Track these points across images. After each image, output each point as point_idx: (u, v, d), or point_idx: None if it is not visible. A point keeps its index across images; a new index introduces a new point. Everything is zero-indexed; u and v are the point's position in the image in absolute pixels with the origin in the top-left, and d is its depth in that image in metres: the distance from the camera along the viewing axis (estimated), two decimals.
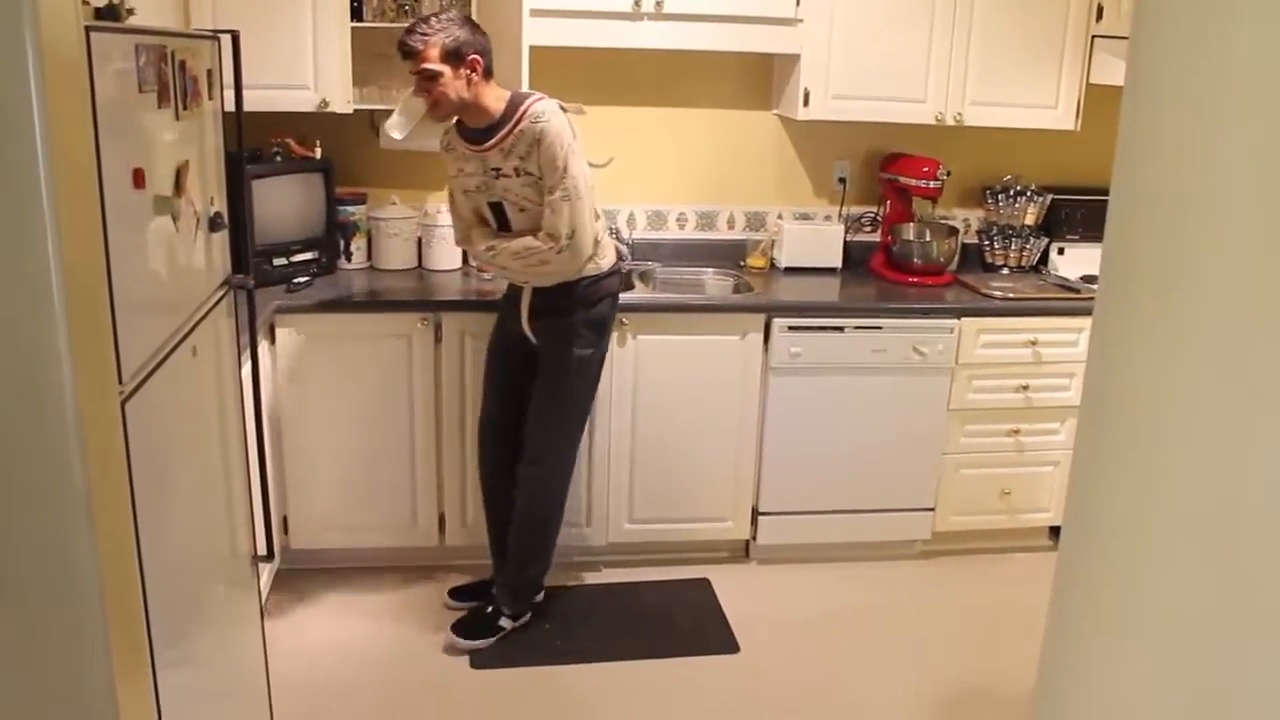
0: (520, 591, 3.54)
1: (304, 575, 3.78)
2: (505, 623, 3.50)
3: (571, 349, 3.32)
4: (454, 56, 3.05)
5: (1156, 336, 1.36)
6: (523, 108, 3.12)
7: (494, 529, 3.59)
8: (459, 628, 3.47)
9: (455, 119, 3.23)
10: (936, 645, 3.55)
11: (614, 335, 3.62)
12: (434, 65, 3.04)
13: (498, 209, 3.26)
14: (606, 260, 3.33)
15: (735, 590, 3.79)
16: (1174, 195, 1.33)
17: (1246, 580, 1.18)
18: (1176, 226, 1.31)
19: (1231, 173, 1.22)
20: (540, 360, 3.38)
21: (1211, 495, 1.24)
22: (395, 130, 3.22)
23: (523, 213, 3.21)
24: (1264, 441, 1.15)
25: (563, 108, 3.15)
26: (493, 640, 3.45)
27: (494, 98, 3.14)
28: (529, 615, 3.56)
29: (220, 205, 2.31)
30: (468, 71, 3.07)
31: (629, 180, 4.23)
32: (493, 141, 3.15)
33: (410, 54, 3.05)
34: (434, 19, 3.07)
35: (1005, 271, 4.38)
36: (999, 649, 3.49)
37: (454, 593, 3.68)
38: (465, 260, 4.06)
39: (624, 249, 3.53)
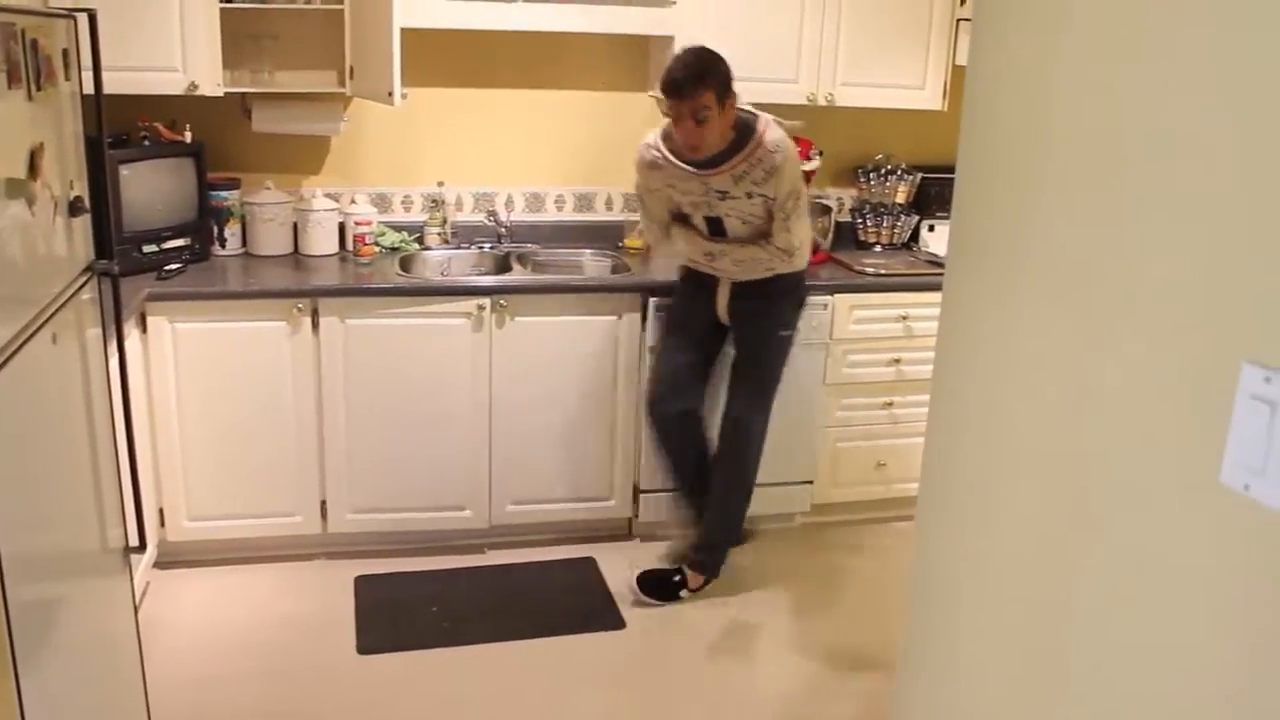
0: (719, 554, 3.67)
1: (181, 567, 3.72)
2: (685, 595, 3.65)
3: (777, 331, 3.50)
4: (724, 93, 3.10)
5: (1000, 302, 1.42)
6: (756, 136, 3.19)
7: (693, 495, 3.72)
8: (643, 583, 3.63)
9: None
10: (818, 612, 3.63)
11: (493, 317, 3.65)
12: (712, 107, 3.07)
13: (714, 221, 3.36)
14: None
15: (620, 567, 3.82)
16: (1012, 172, 1.39)
17: (1082, 527, 1.25)
18: (1015, 201, 1.38)
19: (1062, 150, 1.28)
20: (740, 342, 3.54)
21: (1050, 451, 1.31)
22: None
23: (744, 225, 3.32)
24: (1099, 403, 1.22)
25: (779, 123, 3.25)
26: (665, 605, 3.61)
27: (729, 126, 3.19)
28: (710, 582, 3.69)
29: (81, 189, 2.26)
30: (730, 106, 3.14)
31: (507, 163, 4.24)
32: (723, 168, 3.20)
33: (684, 94, 3.06)
34: (690, 53, 3.12)
35: (878, 249, 4.49)
36: (878, 614, 3.59)
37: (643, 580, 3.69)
38: (342, 244, 4.02)
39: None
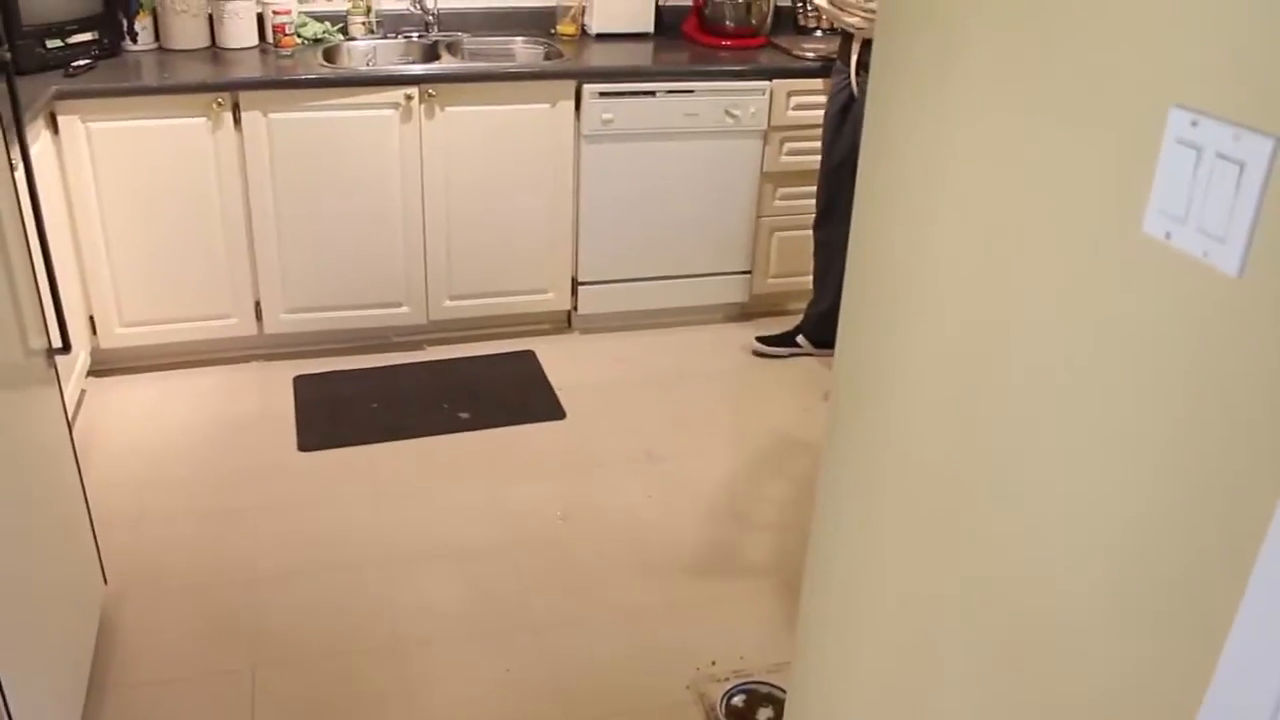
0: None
1: (117, 374, 3.68)
2: (801, 341, 3.98)
3: None
4: None
5: (932, 93, 1.38)
6: None
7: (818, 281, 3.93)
8: (763, 340, 4.01)
9: None
10: (757, 400, 3.68)
11: (422, 108, 3.54)
12: None
13: None
14: None
15: (559, 360, 3.84)
16: None
17: (1008, 290, 1.24)
18: None
19: None
20: (863, 119, 3.43)
21: (978, 220, 1.28)
22: None
23: None
24: (1026, 170, 1.19)
25: None
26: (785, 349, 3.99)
27: None
28: None
29: None
30: None
31: None
32: None
33: None
34: None
35: (818, 34, 4.36)
36: (817, 401, 3.65)
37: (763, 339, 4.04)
38: (261, 36, 3.84)
39: None
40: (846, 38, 3.51)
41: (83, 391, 3.54)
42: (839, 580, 1.77)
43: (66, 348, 2.50)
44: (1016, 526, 1.24)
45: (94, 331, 3.58)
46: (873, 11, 3.28)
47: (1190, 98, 0.94)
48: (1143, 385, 1.02)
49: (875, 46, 1.52)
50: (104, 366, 3.68)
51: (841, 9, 3.39)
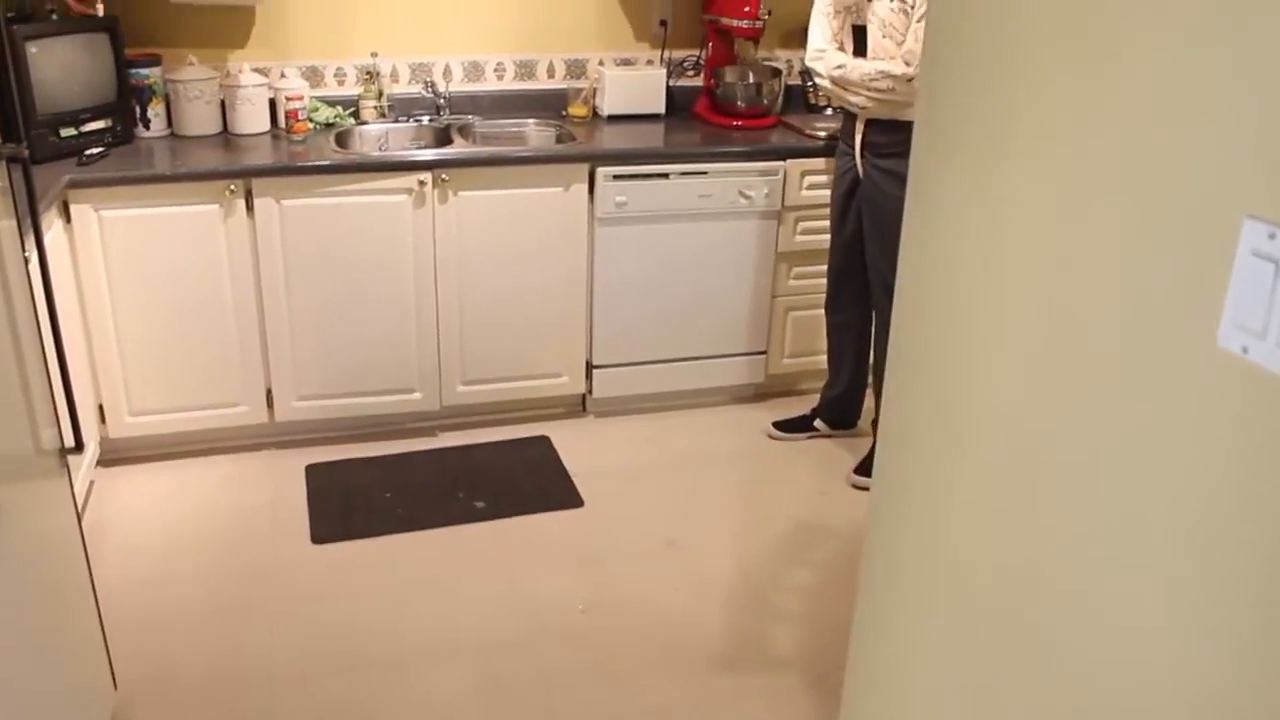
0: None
1: (126, 464, 3.63)
2: (819, 424, 3.94)
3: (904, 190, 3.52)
4: None
5: (981, 188, 1.35)
6: None
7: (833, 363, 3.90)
8: (779, 425, 3.95)
9: None
10: (775, 483, 3.62)
11: (435, 192, 3.53)
12: None
13: (860, 33, 3.37)
14: None
15: (575, 445, 3.79)
16: (989, 42, 1.30)
17: (1067, 404, 1.19)
18: (995, 75, 1.29)
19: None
20: (869, 199, 3.44)
21: (1034, 328, 1.24)
22: None
23: (883, 39, 3.30)
24: (1089, 272, 1.16)
25: None
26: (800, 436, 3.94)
27: None
28: None
29: None
30: None
31: (443, 30, 4.06)
32: None
33: None
34: None
35: (829, 112, 4.37)
36: (836, 483, 3.59)
37: (779, 425, 3.97)
38: (273, 122, 3.85)
39: None
40: (850, 118, 3.49)
41: (91, 483, 3.48)
42: (883, 683, 1.70)
43: (79, 447, 2.45)
44: (1075, 637, 1.19)
45: (103, 420, 3.54)
46: (878, 90, 3.26)
47: (1264, 209, 0.90)
48: (1219, 502, 0.97)
49: (915, 137, 1.49)
50: (113, 456, 3.63)
51: (845, 89, 3.37)
